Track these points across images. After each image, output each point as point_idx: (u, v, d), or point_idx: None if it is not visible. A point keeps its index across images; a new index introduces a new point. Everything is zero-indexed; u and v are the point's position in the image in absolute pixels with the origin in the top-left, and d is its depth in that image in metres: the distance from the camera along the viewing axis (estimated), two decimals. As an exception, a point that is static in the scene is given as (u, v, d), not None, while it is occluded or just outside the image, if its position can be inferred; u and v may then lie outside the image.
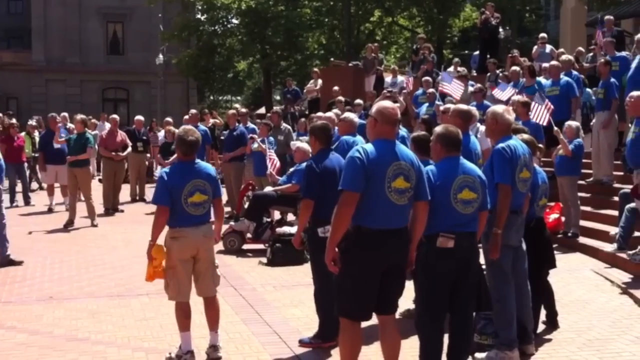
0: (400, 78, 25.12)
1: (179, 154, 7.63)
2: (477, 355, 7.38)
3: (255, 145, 16.57)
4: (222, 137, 20.36)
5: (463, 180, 6.58)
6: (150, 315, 9.27)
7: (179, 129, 8.08)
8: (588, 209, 14.02)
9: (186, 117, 19.87)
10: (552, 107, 14.45)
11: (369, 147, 6.03)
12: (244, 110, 20.66)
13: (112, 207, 19.05)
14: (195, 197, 7.40)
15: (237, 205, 15.09)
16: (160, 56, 49.49)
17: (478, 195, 6.62)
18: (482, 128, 11.76)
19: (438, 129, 6.95)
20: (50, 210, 19.21)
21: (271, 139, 16.94)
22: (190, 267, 7.55)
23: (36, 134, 23.65)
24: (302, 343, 7.95)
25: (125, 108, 54.77)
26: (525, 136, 7.97)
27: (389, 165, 5.96)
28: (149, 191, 22.66)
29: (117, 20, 57.35)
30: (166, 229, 7.52)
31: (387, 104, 6.38)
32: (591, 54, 20.57)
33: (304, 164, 11.98)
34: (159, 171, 23.55)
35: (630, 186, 10.97)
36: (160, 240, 7.57)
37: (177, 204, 7.36)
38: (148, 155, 23.67)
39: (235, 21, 49.33)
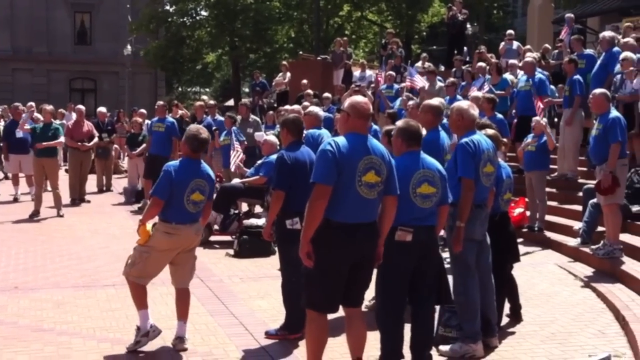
0: (368, 72, 25.24)
1: (187, 150, 7.60)
2: (442, 347, 7.45)
3: (222, 138, 16.60)
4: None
5: (423, 174, 6.66)
6: (116, 306, 9.24)
7: (190, 126, 8.09)
8: (553, 203, 14.16)
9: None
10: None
11: (341, 140, 6.04)
12: (212, 102, 20.61)
13: (78, 197, 18.94)
14: (195, 196, 7.45)
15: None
16: (129, 47, 49.24)
17: (437, 189, 6.70)
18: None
19: (399, 123, 7.05)
20: (15, 200, 19.09)
21: (235, 129, 16.92)
22: (168, 260, 7.60)
23: (1, 123, 23.45)
24: (268, 335, 7.97)
25: (92, 98, 54.26)
26: (490, 131, 8.04)
27: (360, 159, 5.98)
28: (116, 182, 22.65)
29: (85, 10, 56.78)
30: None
31: (360, 98, 6.42)
32: (557, 51, 20.77)
33: (272, 157, 12.10)
34: (126, 162, 23.53)
35: (594, 182, 11.10)
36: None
37: (177, 199, 7.38)
38: (116, 146, 23.61)
39: (204, 13, 49.27)
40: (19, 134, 18.73)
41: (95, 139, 19.71)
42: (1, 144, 20.71)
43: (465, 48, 24.16)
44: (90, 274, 10.99)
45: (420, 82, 18.82)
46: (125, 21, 52.52)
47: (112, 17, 55.33)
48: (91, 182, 20.50)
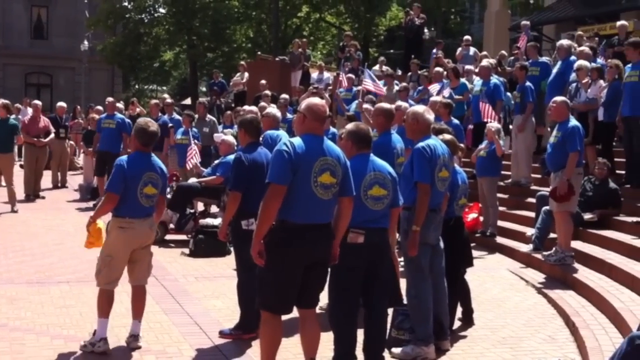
0: (326, 74, 25.32)
1: (137, 144, 7.58)
2: (394, 349, 7.52)
3: (179, 136, 16.58)
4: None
5: (374, 176, 6.74)
6: (70, 302, 9.22)
7: (139, 120, 8.06)
8: (506, 209, 14.33)
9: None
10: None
11: (297, 141, 6.09)
12: (169, 100, 20.53)
13: (33, 193, 18.80)
14: (148, 189, 7.44)
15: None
16: (85, 42, 48.80)
17: (389, 192, 6.78)
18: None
19: (349, 126, 7.09)
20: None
21: (195, 130, 16.91)
22: (128, 257, 7.58)
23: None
24: (222, 334, 8.00)
25: (48, 94, 53.65)
26: (447, 136, 8.14)
27: (315, 160, 6.03)
28: (71, 178, 22.49)
29: (42, 4, 56.09)
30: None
31: (317, 100, 6.47)
32: (513, 57, 21.00)
33: (229, 157, 12.11)
34: (82, 158, 23.38)
35: (548, 189, 11.25)
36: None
37: (131, 193, 7.37)
38: (72, 142, 23.45)
39: (162, 10, 49.02)
40: None
41: (52, 135, 19.57)
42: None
43: (435, 50, 24.28)
44: (45, 270, 10.93)
45: (372, 87, 18.93)
46: (82, 16, 52.06)
47: (69, 12, 54.75)
48: (46, 178, 20.33)
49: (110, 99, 19.75)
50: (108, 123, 17.59)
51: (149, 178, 7.47)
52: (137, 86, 71.24)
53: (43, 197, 18.98)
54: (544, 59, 17.86)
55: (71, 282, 10.19)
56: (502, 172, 14.39)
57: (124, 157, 7.63)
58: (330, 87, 23.08)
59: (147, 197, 7.48)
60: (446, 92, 17.11)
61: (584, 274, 10.42)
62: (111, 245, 7.50)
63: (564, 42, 16.29)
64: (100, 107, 23.29)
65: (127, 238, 7.49)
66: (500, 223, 13.67)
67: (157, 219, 7.94)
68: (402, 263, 8.50)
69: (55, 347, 7.61)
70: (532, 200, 13.35)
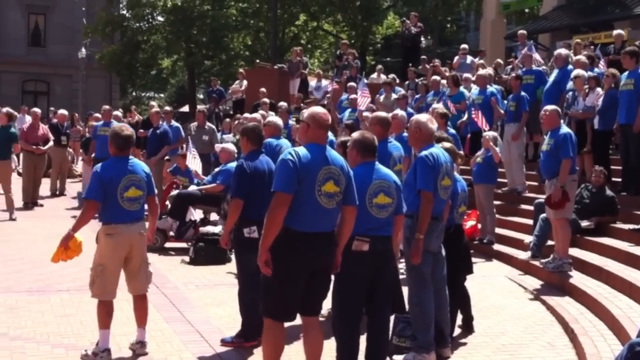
0: (324, 82, 25.37)
1: (113, 149, 7.59)
2: (395, 357, 7.54)
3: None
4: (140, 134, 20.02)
5: (378, 185, 6.79)
6: (70, 311, 9.23)
7: (113, 125, 8.11)
8: (503, 217, 14.37)
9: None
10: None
11: (302, 150, 6.14)
12: (168, 108, 20.57)
13: (31, 201, 18.80)
14: (130, 192, 7.41)
15: (161, 204, 15.04)
16: (83, 50, 48.83)
17: (393, 199, 6.83)
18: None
19: (355, 135, 7.16)
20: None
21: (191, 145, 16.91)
22: (121, 265, 7.55)
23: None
24: (224, 342, 8.01)
25: (45, 101, 53.60)
26: (447, 144, 8.17)
27: (319, 169, 6.09)
28: (70, 186, 22.49)
29: (39, 11, 56.14)
30: (93, 225, 7.53)
31: (319, 109, 6.53)
32: (510, 66, 21.05)
33: (230, 164, 12.15)
34: (80, 166, 23.40)
35: (544, 196, 11.30)
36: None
37: (112, 198, 7.34)
38: (70, 150, 23.46)
39: (160, 18, 49.02)
40: None
41: (51, 143, 19.58)
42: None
43: (425, 58, 24.33)
44: (44, 279, 10.92)
45: (361, 99, 19.12)
46: (80, 24, 52.03)
47: (67, 20, 54.77)
48: (44, 186, 20.34)
49: (106, 106, 19.79)
50: (104, 131, 17.62)
51: (130, 181, 7.43)
52: (134, 93, 71.24)
53: (41, 205, 18.97)
54: (540, 67, 17.91)
55: (71, 290, 10.20)
56: (498, 180, 14.45)
57: (100, 164, 7.63)
58: (328, 95, 23.12)
59: (129, 201, 7.43)
60: (448, 102, 17.12)
61: (581, 281, 10.46)
62: (101, 254, 7.48)
63: (562, 50, 16.36)
64: (98, 115, 23.29)
65: (115, 244, 7.44)
66: (497, 230, 13.72)
67: (152, 220, 7.93)
68: (402, 270, 8.56)
69: (56, 356, 7.64)
70: (528, 207, 13.41)
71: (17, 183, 18.53)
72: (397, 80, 23.59)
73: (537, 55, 18.91)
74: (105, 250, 7.46)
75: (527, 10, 40.68)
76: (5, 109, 17.35)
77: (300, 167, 6.01)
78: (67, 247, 7.55)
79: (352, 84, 21.60)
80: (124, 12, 51.67)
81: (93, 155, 18.21)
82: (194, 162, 15.30)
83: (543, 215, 11.56)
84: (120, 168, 7.46)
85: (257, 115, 14.43)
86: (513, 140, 15.01)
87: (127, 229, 7.45)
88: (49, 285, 10.61)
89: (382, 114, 9.52)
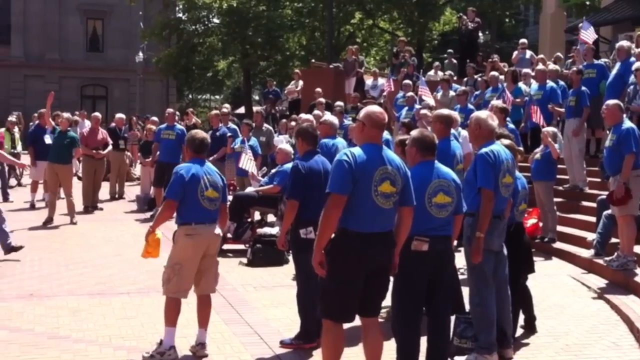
0: (380, 81, 25.25)
1: (191, 153, 7.80)
2: (457, 358, 7.44)
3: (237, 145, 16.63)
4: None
5: (438, 184, 6.72)
6: (131, 314, 9.28)
7: (189, 132, 8.31)
8: (564, 214, 14.13)
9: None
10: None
11: (357, 150, 6.10)
12: (225, 110, 20.60)
13: (91, 204, 18.99)
14: (210, 192, 7.56)
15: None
16: (140, 54, 49.41)
17: (453, 199, 6.75)
18: (465, 133, 11.87)
19: (414, 133, 7.10)
20: (32, 207, 19.11)
21: (253, 139, 16.93)
22: (197, 265, 7.66)
23: (16, 130, 23.48)
24: (283, 344, 7.98)
25: (103, 105, 54.41)
26: (506, 141, 8.03)
27: (376, 169, 6.03)
28: (128, 189, 22.70)
29: (97, 17, 56.98)
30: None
31: (375, 108, 6.46)
32: (570, 60, 20.73)
33: (286, 166, 12.12)
34: (138, 169, 23.59)
35: (606, 192, 11.09)
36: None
37: (192, 197, 7.49)
38: (128, 153, 23.66)
39: (216, 20, 49.28)
40: (48, 140, 18.68)
41: (110, 147, 19.77)
42: (17, 151, 20.76)
43: (481, 55, 24.09)
44: (105, 282, 11.02)
45: (425, 94, 19.00)
46: (137, 28, 52.61)
47: (124, 24, 55.51)
48: (103, 189, 20.54)
49: (170, 110, 19.88)
50: (168, 134, 17.70)
51: (209, 181, 7.59)
52: (190, 96, 71.83)
53: (101, 209, 19.14)
54: (601, 61, 17.59)
55: (131, 293, 10.27)
56: (559, 176, 14.20)
57: (182, 165, 7.79)
58: (385, 94, 23.00)
59: (209, 200, 7.58)
60: (509, 97, 16.88)
61: (647, 279, 10.25)
62: (180, 254, 7.59)
63: (624, 43, 16.00)
64: (155, 118, 23.45)
65: (194, 245, 7.57)
66: (559, 228, 13.49)
67: (222, 226, 8.00)
68: (461, 270, 8.45)
69: (118, 358, 7.69)
70: (589, 204, 13.16)
71: (77, 187, 18.73)
72: (455, 78, 23.42)
73: (590, 31, 18.38)
74: (184, 249, 7.58)
75: (587, 3, 40.06)
76: (66, 115, 17.55)
77: (355, 168, 5.96)
78: (147, 243, 7.74)
79: (407, 81, 21.46)
80: (180, 15, 52.01)
81: (156, 158, 18.17)
82: (249, 164, 15.29)
83: (606, 212, 11.35)
84: (200, 169, 7.63)
85: (310, 116, 14.36)
86: (574, 136, 14.77)
87: (206, 230, 7.59)
88: (110, 288, 10.70)
89: (445, 111, 9.40)
